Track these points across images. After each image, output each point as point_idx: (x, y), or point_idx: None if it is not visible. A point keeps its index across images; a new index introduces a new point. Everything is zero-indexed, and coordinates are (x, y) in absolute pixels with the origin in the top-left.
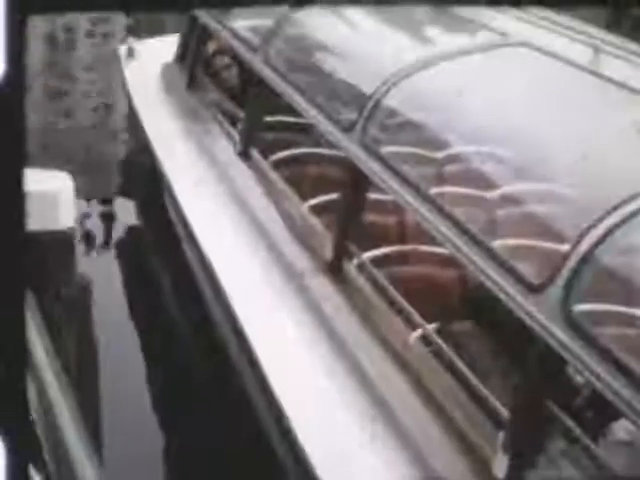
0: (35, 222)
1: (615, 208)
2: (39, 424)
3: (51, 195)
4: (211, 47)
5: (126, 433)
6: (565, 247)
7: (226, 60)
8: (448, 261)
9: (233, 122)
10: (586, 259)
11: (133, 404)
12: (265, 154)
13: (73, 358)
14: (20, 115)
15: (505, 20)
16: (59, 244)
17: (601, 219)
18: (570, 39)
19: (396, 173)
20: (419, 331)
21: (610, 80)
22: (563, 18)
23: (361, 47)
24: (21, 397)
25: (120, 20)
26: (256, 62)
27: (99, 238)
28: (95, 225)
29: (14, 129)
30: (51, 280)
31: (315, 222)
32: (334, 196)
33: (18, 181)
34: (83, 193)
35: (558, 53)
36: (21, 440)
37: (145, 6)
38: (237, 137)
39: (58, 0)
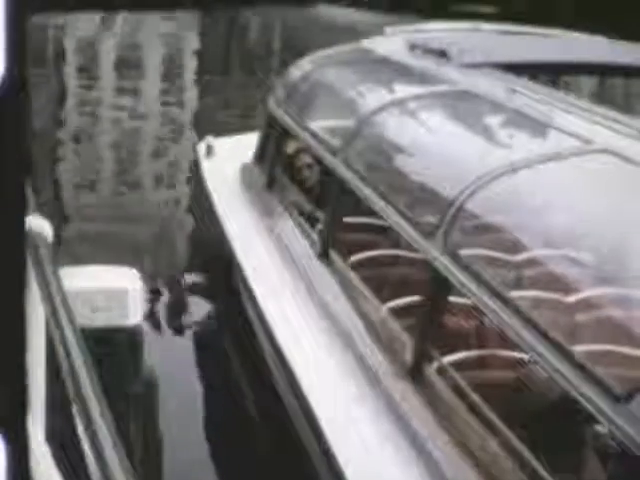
0: (103, 318)
1: None
2: None
3: (120, 292)
4: (290, 147)
5: None
6: None
7: (306, 160)
8: (529, 367)
9: (312, 223)
10: None
11: None
12: (345, 256)
13: (139, 454)
14: (20, 118)
15: (583, 125)
16: (127, 340)
17: None
18: None
19: (478, 278)
20: (500, 437)
21: None
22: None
23: (441, 151)
24: (21, 397)
25: None
26: (336, 163)
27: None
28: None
29: (14, 134)
30: (119, 376)
31: (395, 325)
32: (414, 299)
33: (19, 184)
34: None
35: (639, 159)
36: (21, 440)
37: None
38: (316, 238)
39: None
